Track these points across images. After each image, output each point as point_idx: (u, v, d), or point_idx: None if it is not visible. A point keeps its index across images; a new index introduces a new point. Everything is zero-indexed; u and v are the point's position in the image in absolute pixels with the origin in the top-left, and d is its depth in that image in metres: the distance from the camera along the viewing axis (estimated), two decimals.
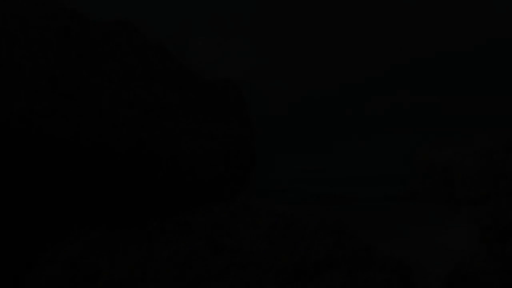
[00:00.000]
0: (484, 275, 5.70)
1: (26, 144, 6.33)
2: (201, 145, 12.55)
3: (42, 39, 7.09)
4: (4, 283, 6.05)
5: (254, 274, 5.57)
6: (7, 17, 6.96)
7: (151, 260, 5.56)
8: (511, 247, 6.22)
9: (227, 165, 12.68)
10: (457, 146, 27.06)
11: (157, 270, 5.42)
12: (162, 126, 12.10)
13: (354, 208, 24.95)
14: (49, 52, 7.01)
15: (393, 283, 5.39)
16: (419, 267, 6.62)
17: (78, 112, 6.79)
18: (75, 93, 6.93)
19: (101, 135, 6.94)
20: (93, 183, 6.83)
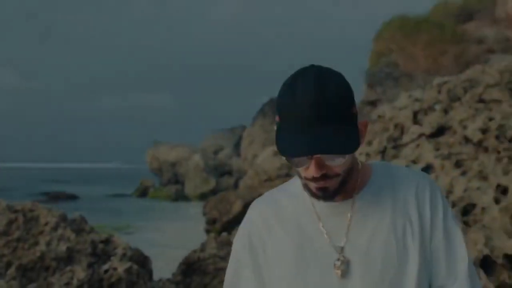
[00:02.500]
0: (213, 260, 6.29)
1: None
2: None
3: None
4: None
5: None
6: None
7: None
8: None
9: None
10: (185, 145, 28.31)
11: None
12: None
13: (86, 206, 24.71)
14: None
15: (132, 272, 5.69)
16: (156, 256, 7.05)
17: None
18: None
19: None
20: None
